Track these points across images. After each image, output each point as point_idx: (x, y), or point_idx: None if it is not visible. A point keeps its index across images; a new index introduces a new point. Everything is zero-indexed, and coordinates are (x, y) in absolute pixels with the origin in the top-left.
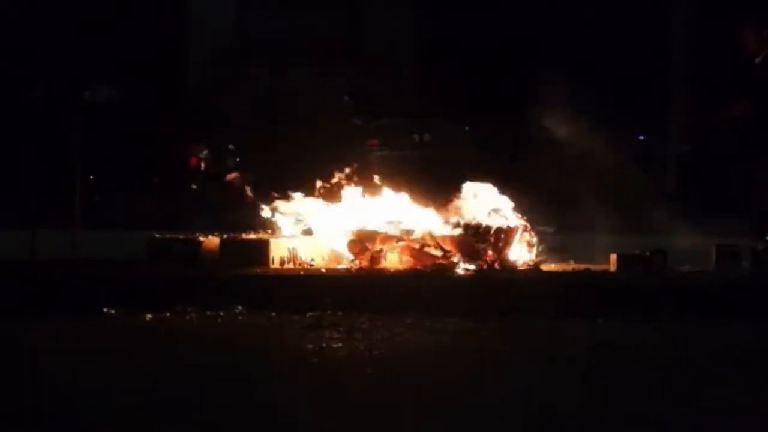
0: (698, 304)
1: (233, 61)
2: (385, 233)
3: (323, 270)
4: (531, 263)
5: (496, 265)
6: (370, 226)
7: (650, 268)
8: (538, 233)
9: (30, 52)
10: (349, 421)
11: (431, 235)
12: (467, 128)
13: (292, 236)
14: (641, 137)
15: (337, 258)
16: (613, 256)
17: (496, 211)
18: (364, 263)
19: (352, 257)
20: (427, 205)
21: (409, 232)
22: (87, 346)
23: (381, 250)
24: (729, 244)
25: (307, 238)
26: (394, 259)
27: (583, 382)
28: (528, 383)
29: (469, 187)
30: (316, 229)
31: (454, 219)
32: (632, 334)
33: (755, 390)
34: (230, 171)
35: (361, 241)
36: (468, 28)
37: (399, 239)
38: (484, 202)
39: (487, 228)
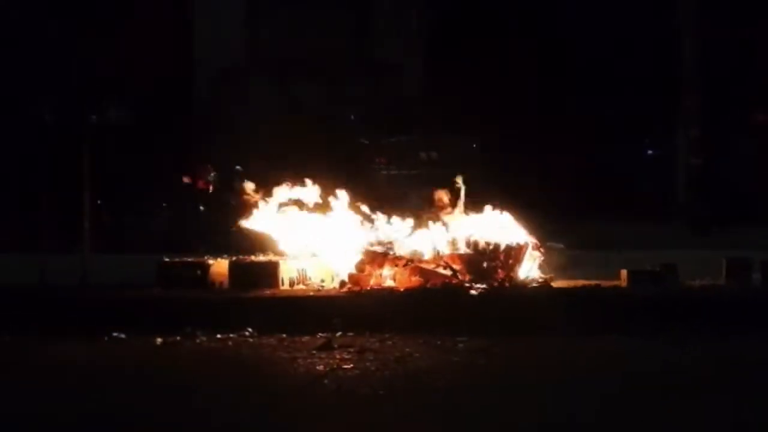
0: (710, 317)
1: (242, 77)
2: (394, 254)
3: (333, 291)
4: (541, 280)
5: (506, 283)
6: (377, 247)
7: (661, 283)
8: (548, 250)
9: (40, 73)
10: None
11: (439, 255)
12: (474, 145)
13: (301, 258)
14: (650, 151)
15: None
16: (624, 272)
17: (504, 228)
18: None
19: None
20: (433, 224)
21: (417, 253)
22: (93, 369)
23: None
24: (739, 257)
25: (316, 259)
26: (402, 280)
27: (598, 400)
28: (542, 402)
29: (478, 205)
30: (321, 250)
31: (462, 238)
32: (645, 349)
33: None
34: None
35: (369, 262)
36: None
37: (409, 260)
38: (492, 220)
39: (496, 246)
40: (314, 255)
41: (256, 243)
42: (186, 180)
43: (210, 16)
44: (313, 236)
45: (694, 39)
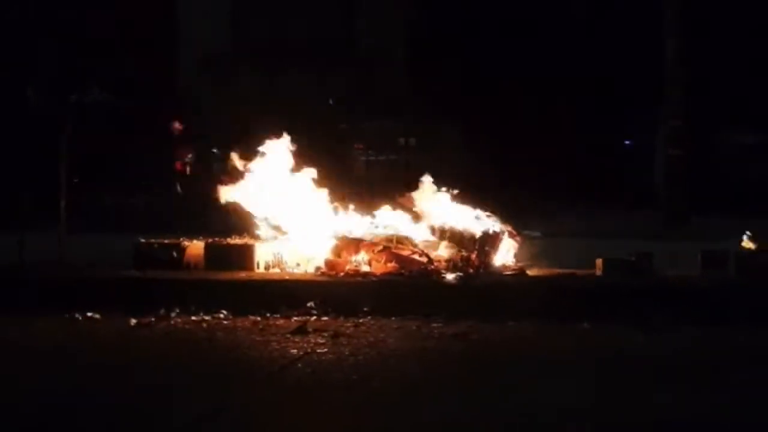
0: (684, 306)
1: (224, 63)
2: (369, 240)
3: (308, 274)
4: (516, 268)
5: (482, 270)
6: (353, 233)
7: (636, 272)
8: (524, 238)
9: (21, 54)
10: (334, 425)
11: (410, 242)
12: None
13: (277, 240)
14: (627, 141)
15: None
16: (599, 261)
17: (480, 216)
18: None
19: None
20: (408, 211)
21: (392, 239)
22: (63, 348)
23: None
24: (715, 248)
25: (292, 243)
26: (378, 266)
27: (574, 384)
28: (515, 385)
29: (454, 192)
30: (297, 234)
31: (438, 225)
32: (618, 336)
33: (741, 391)
34: (216, 176)
35: (344, 248)
36: (462, 29)
37: (384, 246)
38: (469, 207)
39: (472, 234)
40: (290, 239)
41: (232, 225)
42: (179, 166)
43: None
44: (289, 220)
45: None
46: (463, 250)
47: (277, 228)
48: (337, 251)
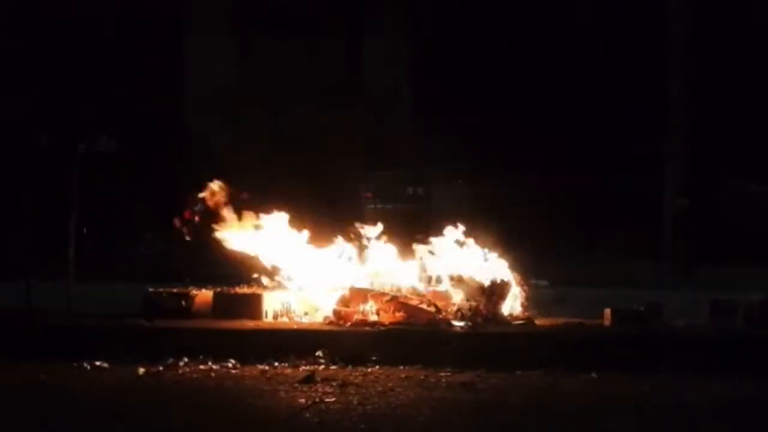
0: (693, 357)
1: (232, 104)
2: (377, 290)
3: (316, 324)
4: (524, 317)
5: (490, 320)
6: (362, 283)
7: (645, 323)
8: (532, 287)
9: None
10: None
11: (418, 292)
12: (460, 181)
13: (286, 290)
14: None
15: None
16: (607, 311)
17: (489, 264)
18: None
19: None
20: (417, 260)
21: (400, 289)
22: (71, 397)
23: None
24: (723, 298)
25: (301, 292)
26: (386, 315)
27: None
28: None
29: (460, 241)
30: (305, 283)
31: (447, 274)
32: (627, 387)
33: None
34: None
35: (353, 298)
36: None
37: (392, 296)
38: (476, 257)
39: (480, 283)
40: (299, 288)
41: (239, 274)
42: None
43: (200, 44)
44: (298, 269)
45: (682, 79)
46: (471, 299)
47: (284, 277)
48: (346, 301)
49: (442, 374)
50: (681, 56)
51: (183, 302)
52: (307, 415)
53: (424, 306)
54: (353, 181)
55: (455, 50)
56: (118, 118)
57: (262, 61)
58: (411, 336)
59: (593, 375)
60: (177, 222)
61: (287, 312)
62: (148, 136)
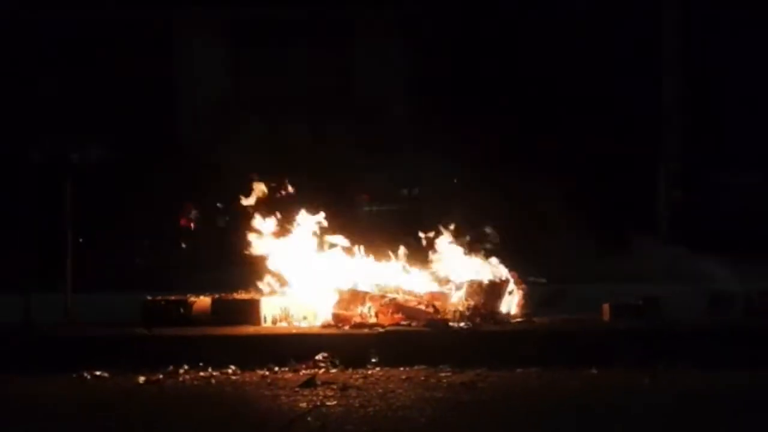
0: (692, 350)
1: (226, 114)
2: (374, 292)
3: (315, 327)
4: (523, 315)
5: (489, 319)
6: (360, 285)
7: (643, 316)
8: (529, 284)
9: (21, 113)
10: None
11: (415, 293)
12: (455, 180)
13: (284, 295)
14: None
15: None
16: (606, 306)
17: (485, 263)
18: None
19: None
20: (414, 261)
21: (398, 291)
22: (71, 407)
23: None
24: (721, 290)
25: (299, 296)
26: (385, 317)
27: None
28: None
29: (459, 240)
30: (304, 287)
31: (444, 275)
32: (627, 382)
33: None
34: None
35: (351, 300)
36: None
37: (391, 298)
38: (474, 255)
39: (479, 282)
40: (297, 292)
41: (239, 279)
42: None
43: (193, 56)
44: (295, 272)
45: (675, 75)
46: (469, 298)
47: (283, 281)
48: (344, 304)
49: (443, 374)
50: (673, 55)
51: (181, 309)
52: (309, 419)
53: (422, 307)
54: (349, 183)
55: (449, 54)
56: (112, 128)
57: (256, 71)
58: (410, 337)
59: (593, 371)
60: (182, 221)
61: (286, 316)
62: (142, 145)
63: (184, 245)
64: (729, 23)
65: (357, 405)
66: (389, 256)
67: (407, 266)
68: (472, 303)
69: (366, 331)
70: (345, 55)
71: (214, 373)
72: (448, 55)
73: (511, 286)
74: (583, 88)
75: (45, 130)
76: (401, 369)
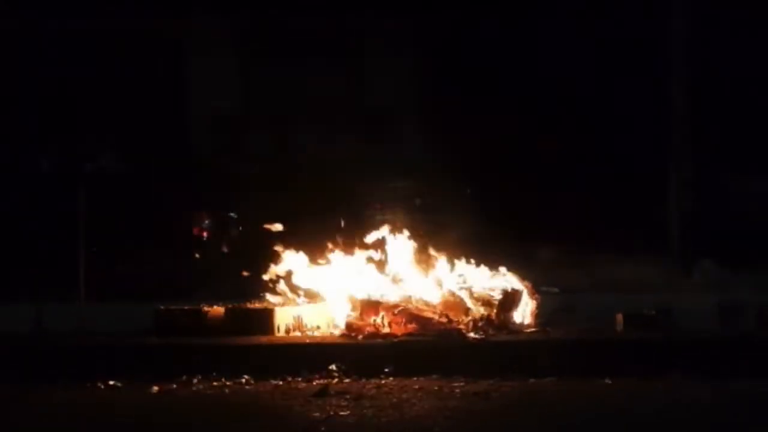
0: (704, 361)
1: (237, 124)
2: (388, 301)
3: (328, 337)
4: (536, 325)
5: (502, 329)
6: (373, 294)
7: (656, 326)
8: (542, 294)
9: (33, 123)
10: None
11: (428, 302)
12: (468, 190)
13: (298, 304)
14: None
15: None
16: (619, 316)
17: (498, 273)
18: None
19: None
20: (427, 271)
21: (411, 300)
22: (85, 417)
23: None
24: (733, 300)
25: (312, 306)
26: (399, 327)
27: None
28: None
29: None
30: (317, 297)
31: (459, 285)
32: (639, 392)
33: None
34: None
35: (364, 310)
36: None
37: (404, 307)
38: (488, 265)
39: (491, 293)
40: (311, 302)
41: (252, 289)
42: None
43: (204, 66)
44: (311, 283)
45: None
46: (483, 309)
47: (296, 291)
48: (357, 313)
49: (456, 384)
50: (681, 60)
51: (195, 319)
52: (323, 429)
53: (435, 316)
54: (360, 194)
55: (457, 64)
56: (125, 137)
57: (266, 82)
58: (424, 347)
59: (607, 381)
60: (195, 230)
61: (299, 326)
62: (154, 155)
63: (197, 255)
64: (738, 26)
65: (370, 415)
66: (402, 266)
67: (420, 275)
68: (485, 313)
69: (379, 340)
70: (354, 64)
71: (228, 383)
72: (456, 62)
73: (525, 296)
74: (598, 98)
75: (57, 140)
76: (414, 379)
